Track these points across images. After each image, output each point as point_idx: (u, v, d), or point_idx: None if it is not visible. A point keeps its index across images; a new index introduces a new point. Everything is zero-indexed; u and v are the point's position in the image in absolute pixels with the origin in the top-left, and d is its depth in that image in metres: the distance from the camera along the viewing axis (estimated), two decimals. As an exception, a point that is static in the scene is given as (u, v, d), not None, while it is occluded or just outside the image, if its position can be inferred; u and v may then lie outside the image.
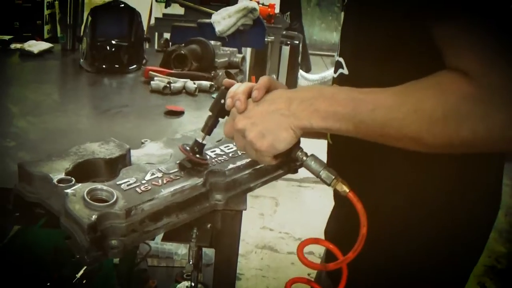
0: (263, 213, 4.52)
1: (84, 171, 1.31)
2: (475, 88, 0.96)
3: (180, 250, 3.22)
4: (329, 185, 1.20)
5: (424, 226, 1.34)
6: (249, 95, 1.22)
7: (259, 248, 4.01)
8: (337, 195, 1.41)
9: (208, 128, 1.33)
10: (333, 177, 1.20)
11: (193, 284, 1.49)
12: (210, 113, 1.33)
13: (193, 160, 1.32)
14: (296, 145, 1.21)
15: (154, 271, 3.03)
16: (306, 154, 1.22)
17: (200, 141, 1.34)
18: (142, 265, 2.66)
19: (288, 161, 1.44)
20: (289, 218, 4.46)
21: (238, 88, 1.24)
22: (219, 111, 1.31)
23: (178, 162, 1.33)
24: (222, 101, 1.28)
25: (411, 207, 1.32)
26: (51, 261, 2.08)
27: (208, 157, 1.38)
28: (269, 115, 1.16)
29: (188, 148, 1.34)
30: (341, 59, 1.42)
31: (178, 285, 2.80)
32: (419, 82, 1.05)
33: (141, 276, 2.56)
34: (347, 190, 1.18)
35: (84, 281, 1.91)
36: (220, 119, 1.33)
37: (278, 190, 4.81)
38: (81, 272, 1.88)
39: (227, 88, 1.28)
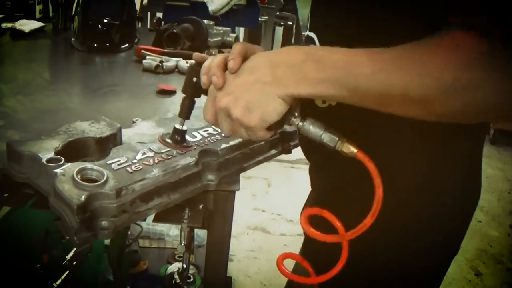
0: (255, 194, 4.51)
1: (74, 150, 1.28)
2: (489, 43, 0.87)
3: (172, 231, 3.21)
4: (334, 148, 1.06)
5: (401, 213, 1.23)
6: (225, 68, 1.10)
7: (251, 229, 4.00)
8: (314, 180, 1.38)
9: (185, 112, 1.25)
10: (337, 138, 1.06)
11: (184, 265, 1.47)
12: (183, 95, 1.25)
13: (173, 148, 1.28)
14: (289, 112, 1.07)
15: (146, 252, 3.02)
16: (302, 118, 1.09)
17: (180, 128, 1.28)
18: (133, 246, 2.64)
19: (283, 141, 1.43)
20: (281, 199, 4.45)
21: (212, 62, 1.13)
22: (194, 90, 1.22)
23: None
24: (195, 79, 1.19)
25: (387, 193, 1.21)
26: (42, 243, 2.06)
27: (196, 138, 1.36)
28: (252, 85, 1.05)
29: (168, 139, 1.29)
30: (312, 34, 1.31)
31: (170, 266, 2.80)
32: (422, 41, 0.94)
33: (133, 258, 2.54)
34: (355, 151, 1.05)
35: (74, 263, 1.89)
36: (196, 99, 1.25)
37: (270, 171, 4.79)
38: (71, 253, 1.86)
39: (199, 64, 1.16)
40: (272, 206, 4.36)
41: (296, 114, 1.09)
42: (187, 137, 1.33)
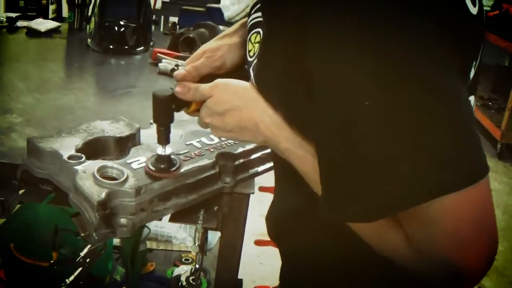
0: (261, 200, 4.51)
1: (93, 148, 1.30)
2: (412, 255, 0.93)
3: (180, 234, 3.21)
4: None
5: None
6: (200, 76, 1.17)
7: (257, 235, 3.99)
8: (279, 181, 1.36)
9: (164, 139, 1.19)
10: None
11: (197, 266, 1.48)
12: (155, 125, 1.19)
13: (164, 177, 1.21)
14: None
15: (153, 254, 3.02)
16: None
17: (163, 154, 1.21)
18: (141, 247, 2.65)
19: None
20: (288, 206, 4.44)
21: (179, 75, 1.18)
22: (170, 118, 1.17)
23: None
24: (174, 106, 1.15)
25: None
26: (52, 240, 2.07)
27: (213, 141, 1.37)
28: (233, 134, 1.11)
29: (152, 167, 1.20)
30: None
31: (176, 269, 2.80)
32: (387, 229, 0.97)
33: (145, 257, 2.55)
34: None
35: (87, 260, 1.90)
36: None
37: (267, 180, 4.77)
38: (85, 250, 1.87)
39: (167, 97, 1.14)
40: (279, 213, 4.35)
41: None
42: (203, 139, 1.34)
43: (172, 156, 1.23)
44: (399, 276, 1.01)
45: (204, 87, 1.11)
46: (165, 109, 1.15)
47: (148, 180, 1.16)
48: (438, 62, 0.84)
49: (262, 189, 3.82)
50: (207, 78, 1.16)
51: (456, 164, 0.83)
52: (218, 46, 1.25)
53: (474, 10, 0.95)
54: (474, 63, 1.00)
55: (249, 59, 1.13)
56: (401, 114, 0.83)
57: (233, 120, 1.08)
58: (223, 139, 1.39)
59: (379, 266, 1.01)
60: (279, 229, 1.32)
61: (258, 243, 3.69)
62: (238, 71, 1.21)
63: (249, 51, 1.12)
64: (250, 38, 1.12)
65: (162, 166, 1.21)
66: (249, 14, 1.14)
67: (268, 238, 1.34)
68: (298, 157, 1.02)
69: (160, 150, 1.20)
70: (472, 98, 1.05)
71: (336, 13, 0.86)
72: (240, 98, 1.07)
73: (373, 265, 1.04)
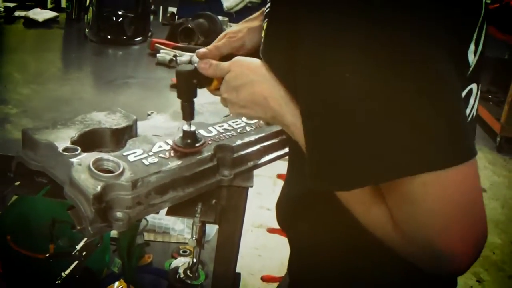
0: (260, 192, 4.50)
1: (89, 140, 1.28)
2: (395, 233, 0.94)
3: (177, 225, 3.20)
4: None
5: None
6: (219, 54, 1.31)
7: (255, 227, 3.99)
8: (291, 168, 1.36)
9: (189, 115, 1.26)
10: None
11: (195, 260, 1.47)
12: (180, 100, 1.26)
13: (190, 153, 1.26)
14: None
15: (150, 246, 3.01)
16: None
17: (189, 129, 1.27)
18: (138, 239, 2.64)
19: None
20: (287, 198, 4.44)
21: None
22: (192, 93, 1.24)
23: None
24: (195, 81, 1.23)
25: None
26: (48, 232, 2.06)
27: (211, 133, 1.36)
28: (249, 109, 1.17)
29: (180, 144, 1.27)
30: None
31: (174, 261, 2.79)
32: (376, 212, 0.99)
33: (142, 251, 2.54)
34: None
35: (83, 253, 1.89)
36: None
37: (276, 169, 4.78)
38: (81, 244, 1.86)
39: (189, 72, 1.22)
40: (277, 205, 4.35)
41: None
42: (202, 131, 1.33)
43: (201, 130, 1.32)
44: (407, 268, 1.00)
45: (224, 63, 1.19)
46: (187, 84, 1.23)
47: (145, 173, 1.15)
48: (432, 40, 0.85)
49: (279, 176, 3.82)
50: (227, 58, 1.23)
51: (440, 144, 0.84)
52: (239, 29, 1.37)
53: None
54: (474, 47, 1.00)
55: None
56: (386, 86, 0.84)
57: (246, 95, 1.14)
58: (221, 131, 1.37)
59: (388, 256, 1.01)
60: (288, 216, 1.34)
61: (271, 231, 3.72)
62: (257, 52, 1.23)
63: (262, 37, 1.17)
64: (263, 26, 1.16)
65: (189, 141, 1.26)
66: (266, 2, 1.16)
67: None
68: (300, 132, 1.03)
69: (185, 127, 1.26)
70: (474, 86, 1.06)
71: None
72: (254, 73, 1.13)
73: (381, 255, 1.04)
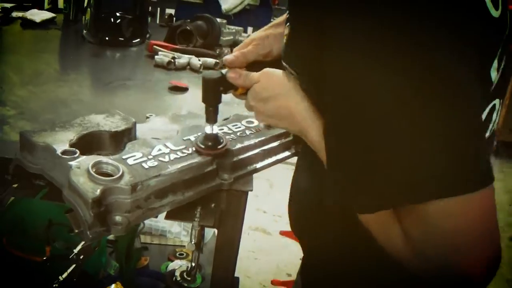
0: (257, 194, 4.49)
1: (88, 143, 1.27)
2: (411, 252, 0.94)
3: (174, 228, 3.19)
4: None
5: None
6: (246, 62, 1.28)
7: (252, 229, 3.99)
8: (304, 173, 1.36)
9: (213, 119, 1.28)
10: None
11: (193, 264, 1.45)
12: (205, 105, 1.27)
13: (214, 154, 1.28)
14: None
15: (146, 249, 3.00)
16: None
17: (211, 132, 1.29)
18: (136, 243, 2.62)
19: (296, 143, 1.42)
20: (283, 200, 4.42)
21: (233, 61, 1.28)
22: (218, 99, 1.26)
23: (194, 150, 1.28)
24: (221, 88, 1.25)
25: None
26: (45, 234, 2.04)
27: (226, 138, 1.35)
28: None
29: (202, 145, 1.28)
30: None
31: (171, 264, 2.77)
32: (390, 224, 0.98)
33: (140, 255, 2.53)
34: None
35: (81, 257, 1.87)
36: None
37: (272, 172, 4.74)
38: (79, 247, 1.84)
39: (216, 80, 1.24)
40: (274, 207, 4.34)
41: None
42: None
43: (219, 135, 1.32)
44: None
45: (254, 74, 1.20)
46: (213, 91, 1.25)
47: (144, 176, 1.13)
48: (458, 59, 0.85)
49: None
50: (254, 64, 1.28)
51: (462, 169, 0.84)
52: (266, 35, 1.33)
53: (496, 13, 0.97)
54: (497, 65, 1.01)
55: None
56: (413, 108, 0.84)
57: (273, 107, 1.16)
58: (221, 135, 1.36)
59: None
60: (303, 222, 1.35)
61: (284, 233, 3.74)
62: None
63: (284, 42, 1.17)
64: (284, 32, 1.16)
65: (210, 143, 1.28)
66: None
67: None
68: (323, 148, 1.04)
69: (208, 129, 1.28)
70: (497, 102, 1.06)
71: (354, 14, 0.88)
72: (281, 87, 1.14)
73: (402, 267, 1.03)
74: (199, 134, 1.32)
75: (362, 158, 0.90)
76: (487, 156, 0.88)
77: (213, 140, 1.29)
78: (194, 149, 1.27)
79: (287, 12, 1.16)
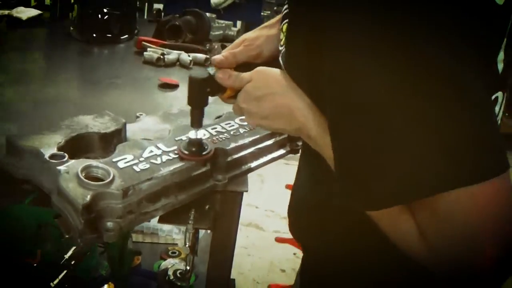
0: (249, 190, 4.47)
1: (77, 146, 1.24)
2: (425, 247, 0.92)
3: (165, 226, 3.16)
4: None
5: None
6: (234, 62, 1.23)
7: (244, 225, 3.96)
8: (305, 173, 1.34)
9: (197, 122, 1.22)
10: None
11: (188, 267, 1.42)
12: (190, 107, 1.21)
13: (196, 160, 1.23)
14: None
15: (138, 247, 2.97)
16: None
17: (195, 137, 1.24)
18: (129, 244, 2.60)
19: (291, 141, 1.40)
20: (275, 196, 4.40)
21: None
22: (204, 101, 1.20)
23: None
24: (208, 89, 1.18)
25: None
26: (34, 237, 2.01)
27: (204, 136, 1.31)
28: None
29: (185, 150, 1.23)
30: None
31: (163, 262, 2.75)
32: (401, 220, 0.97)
33: (133, 258, 2.50)
34: None
35: (72, 262, 1.84)
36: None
37: (264, 167, 4.74)
38: (70, 253, 1.81)
39: (203, 80, 1.18)
40: (266, 203, 4.32)
41: None
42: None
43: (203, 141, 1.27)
44: (426, 277, 1.00)
45: (245, 74, 1.16)
46: (199, 92, 1.19)
47: (136, 180, 1.10)
48: (457, 55, 0.83)
49: (288, 186, 3.81)
50: (244, 66, 1.22)
51: (469, 158, 0.82)
52: (257, 36, 1.30)
53: (500, 0, 0.94)
54: (503, 57, 0.99)
55: (280, 48, 1.15)
56: (415, 103, 0.82)
57: (269, 106, 1.11)
58: (214, 133, 1.33)
59: (407, 265, 1.00)
60: (303, 222, 1.31)
61: (280, 240, 3.70)
62: (275, 61, 1.20)
63: (281, 40, 1.14)
64: (282, 28, 1.13)
65: (194, 149, 1.23)
66: (285, 3, 1.14)
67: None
68: (326, 144, 1.00)
69: (192, 134, 1.23)
70: (500, 94, 1.04)
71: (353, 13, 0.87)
72: (278, 84, 1.11)
73: (401, 264, 1.02)
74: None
75: (371, 155, 0.89)
76: (498, 144, 0.84)
77: (197, 145, 1.24)
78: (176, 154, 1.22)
79: (283, 11, 1.13)
